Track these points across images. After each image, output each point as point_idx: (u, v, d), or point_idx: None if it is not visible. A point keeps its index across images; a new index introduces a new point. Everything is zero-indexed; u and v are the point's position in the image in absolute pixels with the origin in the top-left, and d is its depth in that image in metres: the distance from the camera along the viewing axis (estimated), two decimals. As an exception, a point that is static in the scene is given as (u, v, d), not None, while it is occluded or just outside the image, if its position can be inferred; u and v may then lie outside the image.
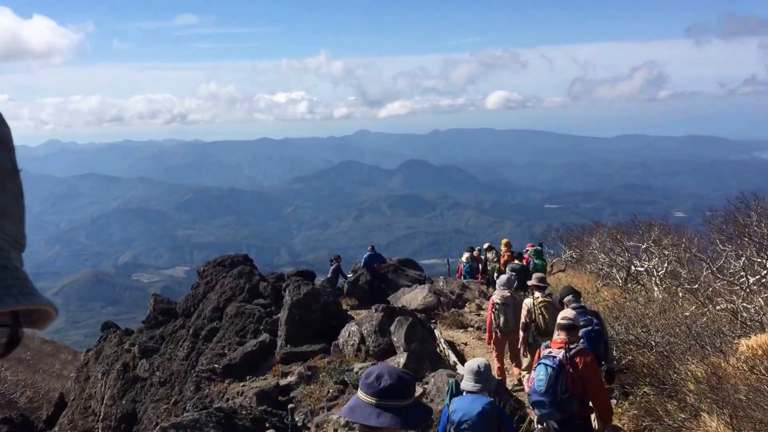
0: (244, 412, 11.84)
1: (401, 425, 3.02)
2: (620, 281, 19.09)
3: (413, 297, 19.73)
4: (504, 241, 21.09)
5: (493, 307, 12.03)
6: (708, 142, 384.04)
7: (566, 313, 7.46)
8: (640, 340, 10.09)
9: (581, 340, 8.00)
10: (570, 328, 7.15)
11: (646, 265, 18.15)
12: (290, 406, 12.25)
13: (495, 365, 12.03)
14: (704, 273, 15.06)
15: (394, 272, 24.36)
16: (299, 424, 12.28)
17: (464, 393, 6.15)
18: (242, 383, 15.53)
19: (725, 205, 15.15)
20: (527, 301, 10.99)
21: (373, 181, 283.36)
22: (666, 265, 17.94)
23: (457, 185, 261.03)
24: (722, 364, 8.08)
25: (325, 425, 12.61)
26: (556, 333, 7.29)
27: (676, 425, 7.55)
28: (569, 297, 9.54)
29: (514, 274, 12.93)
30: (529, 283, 11.40)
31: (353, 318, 17.30)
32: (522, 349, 11.26)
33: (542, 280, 11.26)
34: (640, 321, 11.03)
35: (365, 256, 22.66)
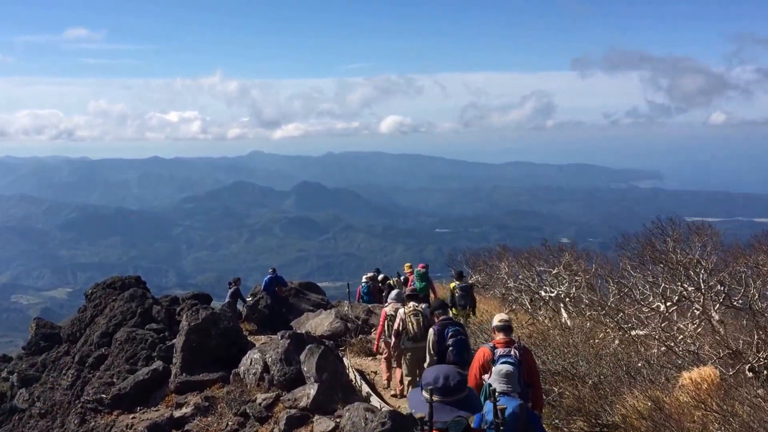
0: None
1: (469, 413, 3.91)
2: (528, 307, 18.84)
3: (319, 323, 18.88)
4: (407, 264, 21.38)
5: (385, 319, 13.14)
6: (590, 170, 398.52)
7: (502, 316, 8.21)
8: (568, 372, 9.64)
9: (450, 348, 10.03)
10: (507, 329, 7.95)
11: (557, 291, 17.95)
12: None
13: (384, 375, 13.57)
14: (627, 300, 14.88)
15: (295, 296, 23.46)
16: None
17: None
18: (132, 415, 14.45)
19: (640, 231, 15.13)
20: (400, 311, 12.44)
21: (266, 203, 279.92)
22: (574, 290, 17.81)
23: (350, 208, 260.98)
24: (665, 399, 7.69)
25: (224, 460, 11.70)
26: (494, 335, 8.01)
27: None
28: (438, 311, 10.73)
29: (404, 289, 14.67)
30: (404, 294, 13.07)
31: (255, 345, 16.37)
32: (393, 353, 13.00)
33: (414, 290, 13.30)
34: (568, 350, 10.61)
35: (266, 278, 21.73)
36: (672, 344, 10.34)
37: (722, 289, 11.96)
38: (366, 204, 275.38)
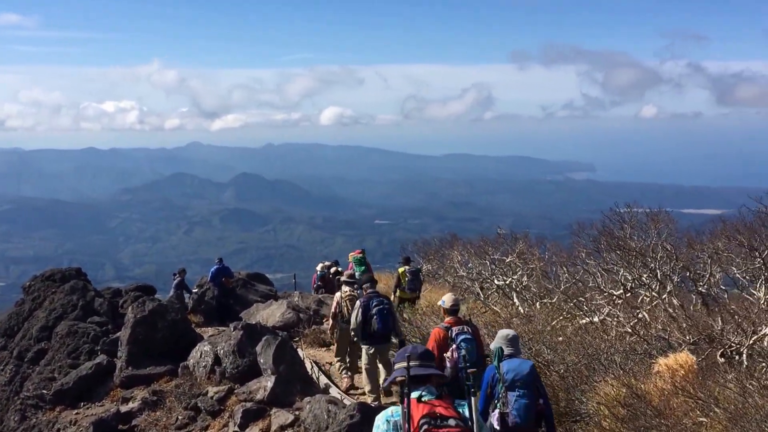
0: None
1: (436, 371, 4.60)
2: (481, 295, 18.71)
3: (270, 314, 18.42)
4: (351, 254, 20.90)
5: (337, 304, 13.21)
6: (528, 162, 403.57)
7: (453, 298, 8.99)
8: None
9: (375, 317, 11.06)
10: (457, 310, 8.89)
11: (510, 279, 17.85)
12: None
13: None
14: (583, 287, 14.83)
15: (243, 287, 22.90)
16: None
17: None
18: (76, 411, 13.99)
19: (596, 219, 15.11)
20: (336, 295, 13.19)
21: (205, 195, 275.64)
22: (526, 279, 17.77)
23: (290, 200, 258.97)
24: (641, 386, 7.53)
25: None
26: (445, 315, 8.85)
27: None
28: (367, 284, 11.81)
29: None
30: (341, 279, 13.82)
31: (203, 337, 15.91)
32: (330, 334, 13.81)
33: (351, 276, 13.68)
34: (531, 338, 10.45)
35: (212, 269, 21.14)
36: (642, 330, 10.24)
37: (688, 275, 11.96)
38: (306, 195, 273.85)
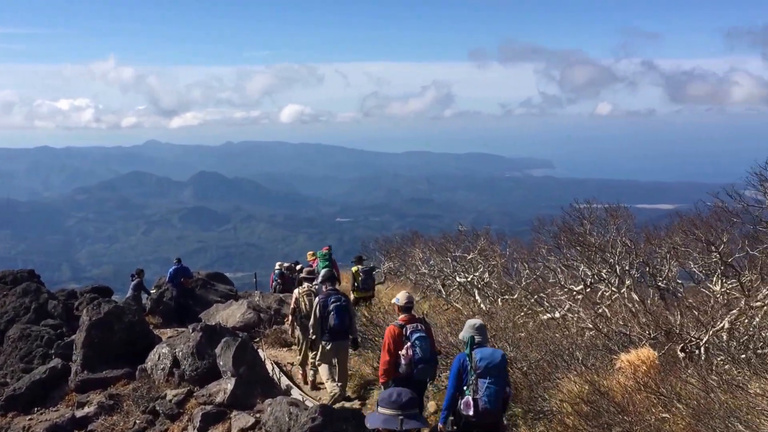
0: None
1: (420, 426, 4.44)
2: (443, 292, 18.69)
3: (230, 314, 18.20)
4: (309, 252, 20.93)
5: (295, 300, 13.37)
6: (487, 159, 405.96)
7: (407, 296, 9.18)
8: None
9: (332, 313, 11.39)
10: (411, 308, 9.07)
11: (471, 276, 17.84)
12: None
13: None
14: (543, 283, 14.85)
15: (202, 287, 22.63)
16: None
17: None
18: (29, 417, 13.60)
19: (554, 216, 15.18)
20: (295, 291, 13.29)
21: (163, 193, 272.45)
22: (487, 275, 17.77)
23: (250, 198, 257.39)
24: (603, 383, 7.52)
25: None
26: (399, 312, 9.06)
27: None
28: (327, 282, 11.98)
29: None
30: (301, 275, 14.10)
31: (162, 339, 15.64)
32: (290, 330, 13.95)
33: (310, 272, 13.80)
34: (493, 335, 10.41)
35: (170, 269, 20.82)
36: (603, 326, 10.25)
37: (647, 269, 12.03)
38: (266, 194, 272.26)
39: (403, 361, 8.66)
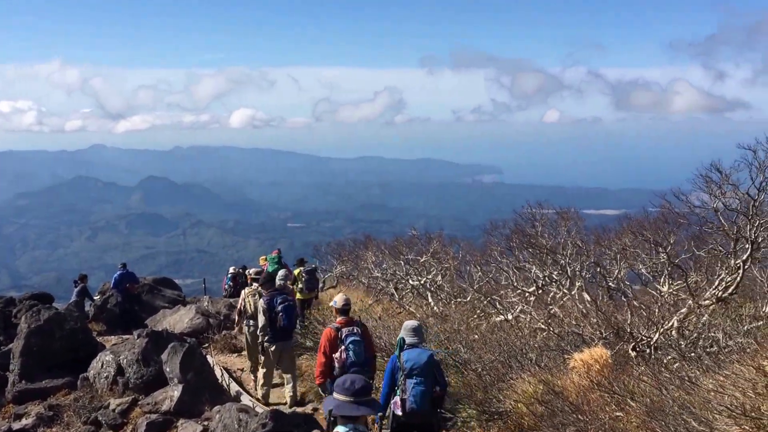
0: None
1: (372, 412, 4.68)
2: (396, 295, 18.58)
3: (177, 319, 17.78)
4: (262, 258, 20.56)
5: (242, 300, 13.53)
6: (438, 165, 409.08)
7: (344, 298, 9.31)
8: (451, 359, 9.29)
9: (281, 314, 11.59)
10: (348, 310, 9.17)
11: (424, 279, 17.76)
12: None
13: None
14: (495, 285, 14.83)
15: (149, 293, 22.12)
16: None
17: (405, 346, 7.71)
18: (-37, 431, 13.03)
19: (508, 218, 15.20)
20: (243, 292, 13.48)
21: (110, 199, 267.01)
22: (440, 278, 17.72)
23: (200, 203, 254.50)
24: (557, 382, 7.43)
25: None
26: (337, 315, 9.18)
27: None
28: (267, 284, 12.27)
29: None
30: (249, 277, 14.26)
31: (105, 346, 15.17)
32: (237, 329, 14.40)
33: (258, 273, 14.12)
34: (447, 337, 10.32)
35: (115, 275, 20.32)
36: (555, 327, 10.21)
37: (598, 270, 12.06)
38: (216, 199, 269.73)
39: (336, 365, 8.77)
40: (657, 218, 12.76)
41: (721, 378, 5.49)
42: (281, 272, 13.52)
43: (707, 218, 9.93)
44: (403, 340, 7.67)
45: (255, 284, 13.29)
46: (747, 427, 4.82)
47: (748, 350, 6.60)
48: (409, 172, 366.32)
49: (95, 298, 21.05)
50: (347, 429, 4.52)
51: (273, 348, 11.86)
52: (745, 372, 5.30)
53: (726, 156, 9.98)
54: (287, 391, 12.16)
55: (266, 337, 11.84)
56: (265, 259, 20.22)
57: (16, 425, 12.35)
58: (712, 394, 5.30)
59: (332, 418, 4.63)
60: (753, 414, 4.88)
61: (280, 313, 11.63)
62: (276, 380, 12.86)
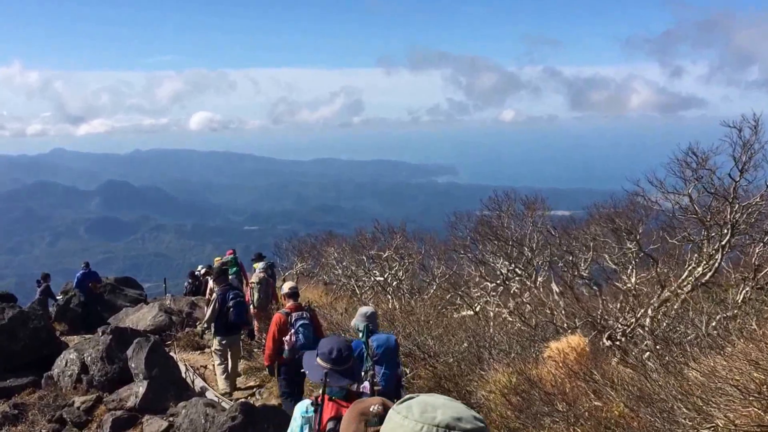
0: None
1: (353, 381, 4.72)
2: (357, 292, 18.49)
3: (140, 317, 17.50)
4: (216, 258, 20.47)
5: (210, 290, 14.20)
6: (393, 166, 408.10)
7: (291, 284, 9.99)
8: (420, 351, 9.23)
9: (231, 309, 11.93)
10: (295, 296, 9.66)
11: (387, 274, 17.70)
12: None
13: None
14: (465, 278, 14.81)
15: (111, 292, 21.77)
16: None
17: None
18: (-75, 432, 12.75)
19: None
20: (210, 282, 14.26)
21: (69, 203, 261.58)
22: (402, 273, 17.68)
23: (159, 207, 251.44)
24: (532, 372, 7.41)
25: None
26: (285, 301, 9.69)
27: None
28: (220, 277, 12.73)
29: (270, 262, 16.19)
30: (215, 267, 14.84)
31: (69, 345, 14.93)
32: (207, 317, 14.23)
33: (223, 264, 15.00)
34: (413, 330, 10.25)
35: (78, 274, 19.98)
36: (527, 318, 10.23)
37: (570, 259, 12.10)
38: (174, 202, 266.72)
39: (286, 347, 9.10)
40: (626, 207, 12.82)
41: (722, 360, 5.37)
42: (261, 264, 14.52)
43: (681, 205, 9.89)
44: (368, 326, 7.75)
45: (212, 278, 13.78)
46: (756, 408, 4.72)
47: (744, 332, 6.52)
48: (365, 173, 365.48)
49: (58, 298, 20.69)
50: (329, 392, 4.57)
51: (224, 341, 12.28)
52: (751, 351, 5.18)
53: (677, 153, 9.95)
54: (223, 385, 12.54)
55: (219, 330, 12.26)
56: (220, 260, 20.14)
57: (-20, 424, 12.14)
58: (714, 376, 5.20)
59: (321, 391, 4.57)
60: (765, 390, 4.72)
61: (231, 308, 12.00)
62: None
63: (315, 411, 4.53)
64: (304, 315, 9.31)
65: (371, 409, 3.04)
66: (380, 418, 2.90)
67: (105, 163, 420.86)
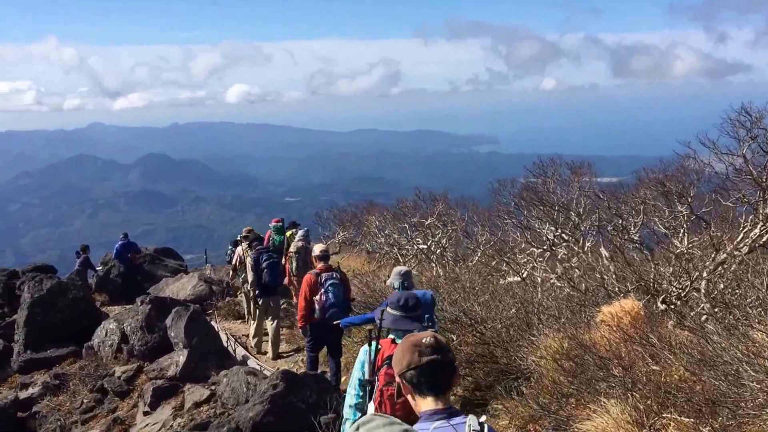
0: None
1: (421, 326, 4.92)
2: (401, 260, 18.22)
3: (181, 287, 17.46)
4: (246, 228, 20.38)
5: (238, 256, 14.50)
6: (433, 136, 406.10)
7: (321, 247, 10.11)
8: (467, 317, 8.95)
9: (265, 271, 12.15)
10: (326, 258, 9.73)
11: (429, 241, 17.38)
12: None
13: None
14: (510, 244, 14.42)
15: (151, 262, 21.78)
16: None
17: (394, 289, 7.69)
18: (-30, 401, 12.84)
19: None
20: (238, 249, 14.54)
21: (109, 177, 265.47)
22: (445, 241, 17.35)
23: (198, 180, 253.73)
24: (585, 337, 7.08)
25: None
26: (316, 263, 9.73)
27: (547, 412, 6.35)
28: (255, 242, 13.14)
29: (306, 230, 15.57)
30: (241, 236, 14.76)
31: (108, 316, 14.92)
32: (232, 285, 15.55)
33: (250, 231, 14.72)
34: (459, 296, 9.99)
35: (117, 245, 19.97)
36: (577, 282, 9.86)
37: (620, 222, 11.68)
38: (214, 175, 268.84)
39: (317, 306, 9.28)
40: (677, 170, 12.34)
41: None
42: (300, 232, 14.54)
43: (734, 166, 9.44)
44: (402, 284, 7.69)
45: (246, 243, 13.79)
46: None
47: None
48: (405, 144, 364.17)
49: (98, 268, 20.73)
50: (395, 335, 5.02)
51: (261, 302, 12.62)
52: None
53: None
54: (269, 344, 12.77)
55: (257, 291, 12.47)
56: (250, 230, 19.87)
57: (22, 394, 12.26)
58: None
59: (376, 333, 4.91)
60: None
61: (265, 270, 12.18)
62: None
63: (371, 353, 4.89)
64: (334, 275, 9.49)
65: (423, 341, 3.08)
66: (432, 348, 3.04)
67: (143, 136, 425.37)
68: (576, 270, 11.05)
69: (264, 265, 12.21)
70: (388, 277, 8.59)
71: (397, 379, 3.14)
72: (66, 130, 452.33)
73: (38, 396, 12.05)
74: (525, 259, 13.25)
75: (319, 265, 9.64)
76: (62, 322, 13.85)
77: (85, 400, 11.52)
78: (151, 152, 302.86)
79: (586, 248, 12.27)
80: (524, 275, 12.27)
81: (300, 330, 10.14)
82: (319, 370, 9.99)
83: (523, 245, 13.98)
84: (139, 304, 12.82)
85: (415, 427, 2.92)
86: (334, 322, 8.73)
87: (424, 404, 3.02)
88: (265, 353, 12.80)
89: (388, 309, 5.06)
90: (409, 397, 3.10)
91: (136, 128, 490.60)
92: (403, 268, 8.10)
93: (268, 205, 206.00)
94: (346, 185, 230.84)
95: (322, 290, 9.29)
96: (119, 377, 11.55)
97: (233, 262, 14.46)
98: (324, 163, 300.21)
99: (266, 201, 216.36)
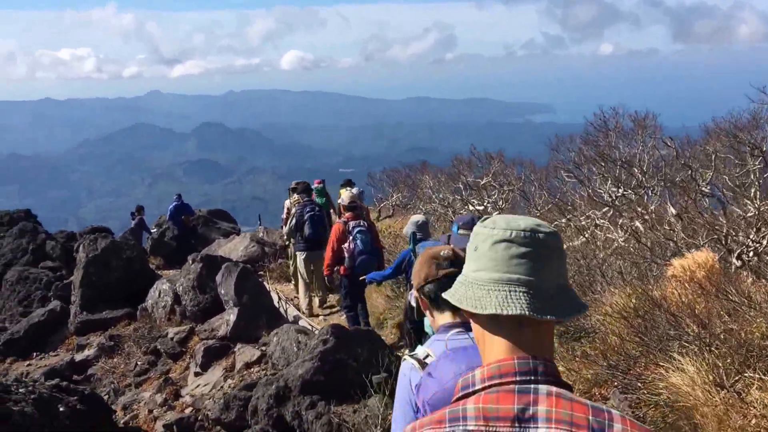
0: (22, 390, 7.94)
1: None
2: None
3: (233, 247, 17.31)
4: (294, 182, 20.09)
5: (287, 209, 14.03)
6: (488, 104, 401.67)
7: (351, 196, 10.26)
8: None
9: (306, 222, 11.76)
10: (354, 208, 9.77)
11: (486, 202, 16.93)
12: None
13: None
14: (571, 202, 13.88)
15: (204, 225, 21.70)
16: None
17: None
18: (28, 362, 12.85)
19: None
20: (286, 202, 14.09)
21: (166, 145, 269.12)
22: (502, 202, 16.89)
23: (254, 149, 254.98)
24: (655, 293, 6.62)
25: (134, 405, 10.24)
26: (344, 212, 9.88)
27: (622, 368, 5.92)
28: (302, 194, 12.68)
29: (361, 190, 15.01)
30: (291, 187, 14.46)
31: (163, 276, 14.87)
32: (285, 238, 14.51)
33: (298, 183, 14.20)
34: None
35: (170, 207, 19.88)
36: (640, 237, 9.36)
37: (690, 173, 11.08)
38: (269, 144, 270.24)
39: (346, 254, 9.41)
40: (749, 122, 11.60)
41: None
42: (354, 190, 13.90)
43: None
44: (414, 234, 7.74)
45: (296, 195, 13.29)
46: None
47: None
48: (458, 112, 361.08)
49: (153, 231, 20.75)
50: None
51: (303, 256, 12.13)
52: None
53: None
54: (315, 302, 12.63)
55: (298, 246, 12.20)
56: (299, 182, 19.49)
57: (78, 356, 12.25)
58: None
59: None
60: None
61: (306, 222, 11.86)
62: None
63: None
64: (362, 223, 9.60)
65: (442, 254, 3.00)
66: (450, 261, 2.95)
67: (199, 104, 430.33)
68: (641, 227, 10.51)
69: (306, 216, 11.91)
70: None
71: (415, 293, 3.08)
72: (125, 98, 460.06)
73: (94, 357, 12.00)
74: (587, 219, 12.72)
75: (347, 213, 9.74)
76: (117, 282, 13.76)
77: (138, 363, 11.45)
78: (207, 121, 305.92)
79: (650, 209, 11.70)
80: (587, 235, 11.78)
81: (326, 278, 10.19)
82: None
83: (583, 206, 13.40)
84: (190, 262, 12.67)
85: (432, 338, 2.98)
86: (360, 279, 8.92)
87: (442, 319, 2.94)
88: (317, 316, 12.50)
89: (459, 231, 5.19)
90: (427, 313, 3.03)
91: (192, 96, 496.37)
92: (420, 218, 8.10)
93: (323, 175, 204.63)
94: (400, 155, 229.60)
95: (350, 237, 9.41)
96: (172, 338, 11.43)
97: (283, 214, 14.14)
98: (377, 133, 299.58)
99: (321, 172, 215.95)
